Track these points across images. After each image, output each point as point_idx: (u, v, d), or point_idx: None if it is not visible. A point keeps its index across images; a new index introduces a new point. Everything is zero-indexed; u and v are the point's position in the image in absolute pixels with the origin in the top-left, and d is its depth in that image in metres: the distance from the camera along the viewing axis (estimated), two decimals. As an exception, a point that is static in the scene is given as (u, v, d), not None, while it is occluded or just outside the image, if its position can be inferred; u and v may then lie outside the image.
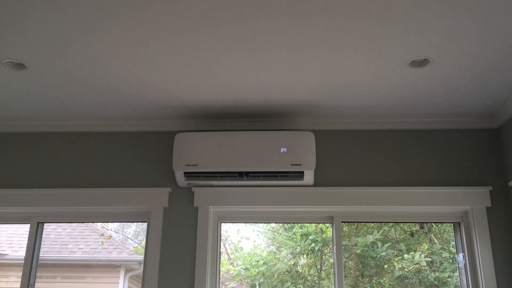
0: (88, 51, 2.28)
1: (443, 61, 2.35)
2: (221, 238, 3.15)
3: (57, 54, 2.31)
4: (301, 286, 5.02)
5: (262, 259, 5.14)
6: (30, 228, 2.95)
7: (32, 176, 3.01)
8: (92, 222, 3.16)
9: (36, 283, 2.91)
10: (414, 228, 4.44)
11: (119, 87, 2.64)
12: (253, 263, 5.11)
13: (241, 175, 2.81)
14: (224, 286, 5.46)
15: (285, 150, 2.77)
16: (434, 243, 4.26)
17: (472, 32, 2.10)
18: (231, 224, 3.27)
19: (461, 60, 2.34)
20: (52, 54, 2.31)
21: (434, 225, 4.25)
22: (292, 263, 5.09)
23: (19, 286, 2.84)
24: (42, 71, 2.48)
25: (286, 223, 4.23)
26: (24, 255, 2.91)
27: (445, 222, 3.12)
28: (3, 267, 6.65)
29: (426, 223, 3.65)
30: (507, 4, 1.89)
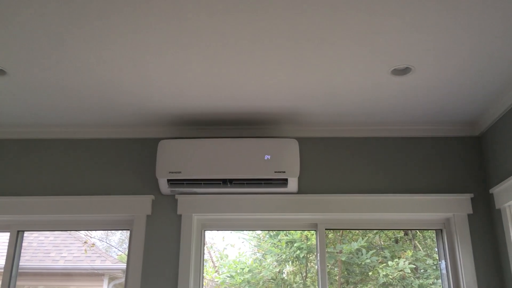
0: (70, 57, 2.26)
1: (424, 70, 2.38)
2: (206, 245, 3.13)
3: (38, 60, 2.29)
4: (286, 293, 5.00)
5: (247, 267, 5.12)
6: (10, 236, 2.90)
7: (12, 184, 2.96)
8: (74, 230, 3.12)
9: (18, 293, 2.85)
10: (398, 235, 4.46)
11: (102, 94, 2.62)
12: (238, 271, 5.09)
13: (225, 182, 2.80)
14: (209, 294, 5.41)
15: (269, 157, 2.77)
16: (418, 250, 4.28)
17: (452, 42, 2.13)
18: (216, 231, 3.26)
19: (442, 69, 2.37)
20: (32, 60, 2.28)
21: (418, 232, 4.28)
22: (278, 270, 5.08)
23: (-2, 296, 2.78)
24: (22, 77, 2.45)
25: (270, 230, 4.22)
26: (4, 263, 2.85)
27: (428, 229, 3.14)
28: (-18, 276, 6.50)
29: (410, 230, 3.68)
30: (487, 14, 1.92)
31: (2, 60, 2.28)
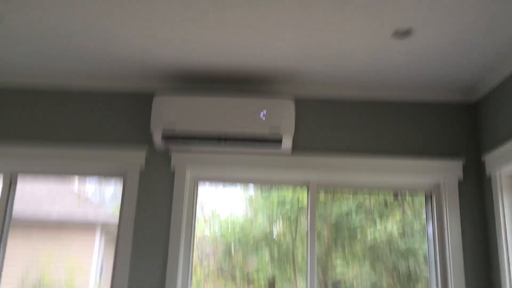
0: (66, 4, 2.21)
1: (426, 32, 2.35)
2: (199, 203, 3.17)
3: (33, 6, 2.23)
4: (275, 251, 5.13)
5: (239, 225, 5.20)
6: (3, 182, 2.91)
7: (7, 131, 2.95)
8: (67, 180, 3.13)
9: (11, 242, 2.88)
10: (388, 199, 4.53)
11: (99, 45, 2.58)
12: (230, 229, 5.18)
13: (219, 139, 2.80)
14: (199, 251, 5.53)
15: (264, 114, 2.76)
16: (407, 214, 4.36)
17: (455, 2, 2.09)
18: (208, 189, 3.28)
19: (443, 32, 2.34)
20: (28, 6, 2.23)
21: (407, 197, 4.34)
22: (268, 229, 5.18)
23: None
24: (17, 24, 2.39)
25: (263, 185, 4.27)
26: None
27: (418, 192, 3.18)
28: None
29: (400, 194, 3.72)
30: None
31: (-6, 5, 2.23)
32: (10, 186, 2.92)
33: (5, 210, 2.87)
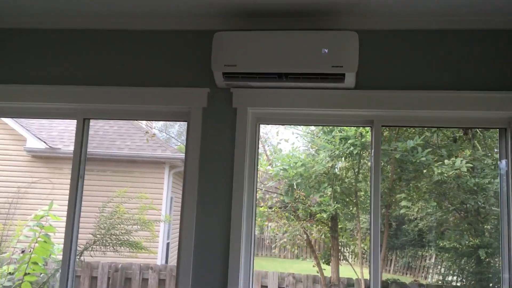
0: None
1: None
2: (261, 139, 3.20)
3: None
4: (337, 187, 5.16)
5: (301, 161, 5.26)
6: (77, 124, 3.07)
7: (77, 73, 3.07)
8: (134, 120, 3.26)
9: (87, 176, 3.09)
10: (457, 134, 4.35)
11: (155, -18, 2.55)
12: (292, 164, 5.26)
13: (280, 76, 2.76)
14: (263, 185, 5.69)
15: (326, 51, 2.67)
16: (477, 150, 4.18)
17: None
18: (270, 126, 3.30)
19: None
20: None
21: (478, 131, 4.14)
22: (330, 165, 5.19)
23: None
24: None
25: (325, 125, 4.21)
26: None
27: (491, 128, 3.01)
28: (56, 160, 7.17)
29: (471, 128, 3.55)
30: None
31: None
32: (83, 129, 3.08)
33: (80, 151, 3.04)
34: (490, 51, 2.80)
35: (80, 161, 3.04)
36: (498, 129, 2.92)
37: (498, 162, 2.97)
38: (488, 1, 2.61)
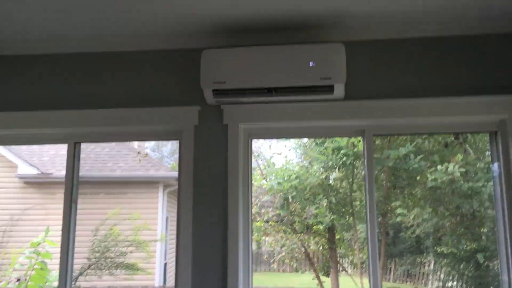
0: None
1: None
2: (254, 154, 3.20)
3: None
4: (333, 198, 5.16)
5: (294, 174, 5.26)
6: (68, 148, 3.06)
7: (67, 97, 3.06)
8: (126, 141, 3.26)
9: (80, 199, 3.07)
10: (448, 139, 4.38)
11: (145, 3, 2.57)
12: (286, 178, 5.25)
13: (270, 91, 2.77)
14: (258, 200, 5.67)
15: (313, 63, 2.69)
16: (469, 154, 4.21)
17: None
18: (263, 140, 3.30)
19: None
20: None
21: (469, 136, 4.18)
22: (324, 177, 5.20)
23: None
24: (62, -10, 2.42)
25: (316, 137, 4.23)
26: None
27: (481, 132, 3.03)
28: (49, 185, 7.11)
29: (461, 133, 3.57)
30: None
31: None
32: (75, 153, 3.06)
33: (72, 175, 3.02)
34: (477, 56, 2.84)
35: (73, 186, 3.01)
36: (488, 133, 2.95)
37: (490, 165, 2.99)
38: (474, 7, 2.65)
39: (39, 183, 7.02)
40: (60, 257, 2.93)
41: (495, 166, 2.90)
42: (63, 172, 3.06)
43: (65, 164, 3.04)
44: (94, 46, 3.08)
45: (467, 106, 2.77)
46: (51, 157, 7.34)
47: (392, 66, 2.89)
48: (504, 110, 2.74)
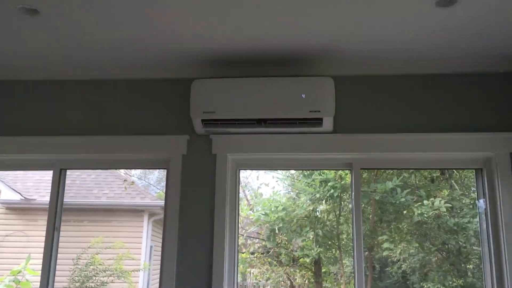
0: (101, -5, 2.23)
1: (471, 0, 2.23)
2: (241, 184, 3.19)
3: (71, 0, 2.26)
4: (319, 231, 5.12)
5: (282, 205, 5.23)
6: (53, 174, 3.02)
7: (54, 124, 3.05)
8: (113, 169, 3.23)
9: (63, 227, 3.01)
10: (434, 174, 4.42)
11: (136, 34, 2.59)
12: (273, 209, 5.21)
13: (259, 122, 2.79)
14: (244, 231, 5.61)
15: (304, 96, 2.72)
16: (455, 189, 4.24)
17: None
18: (250, 170, 3.30)
19: (490, -1, 2.21)
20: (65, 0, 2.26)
21: (455, 171, 4.21)
22: (311, 208, 5.17)
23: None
24: (56, 18, 2.44)
25: (304, 170, 4.23)
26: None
27: (467, 168, 3.07)
28: (32, 211, 6.96)
29: (448, 169, 3.61)
30: None
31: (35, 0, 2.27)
32: (60, 180, 3.02)
33: (56, 202, 2.98)
34: (461, 93, 2.90)
35: (56, 212, 2.96)
36: (474, 170, 2.98)
37: (476, 201, 3.01)
38: (458, 47, 2.72)
39: (21, 209, 6.87)
40: (40, 287, 2.85)
41: (480, 203, 2.92)
42: (46, 198, 3.01)
43: (49, 190, 3.00)
44: (82, 74, 3.09)
45: (453, 143, 2.81)
46: (35, 183, 7.22)
47: (380, 102, 2.94)
48: (489, 147, 2.78)
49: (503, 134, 2.78)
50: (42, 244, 2.89)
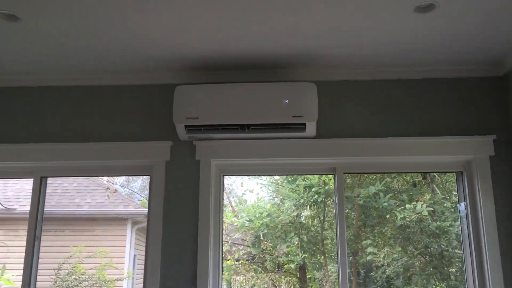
0: (85, 1, 2.21)
1: (449, 6, 2.27)
2: (225, 191, 3.18)
3: (51, 6, 2.24)
4: (304, 236, 5.13)
5: (266, 211, 5.22)
6: (34, 182, 2.97)
7: (34, 131, 3.01)
8: (95, 176, 3.19)
9: (44, 236, 2.96)
10: (416, 179, 4.47)
11: (118, 40, 2.58)
12: (257, 215, 5.20)
13: (242, 127, 2.79)
14: (229, 237, 5.58)
15: (287, 101, 2.73)
16: (436, 193, 4.29)
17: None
18: (235, 177, 3.29)
19: (466, 5, 2.26)
20: (45, 5, 2.24)
21: (436, 175, 4.27)
22: (296, 214, 5.18)
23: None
24: (36, 24, 2.41)
25: (288, 175, 4.23)
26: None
27: (448, 172, 3.11)
28: (12, 221, 6.83)
29: (429, 173, 3.65)
30: None
31: (14, 6, 2.25)
32: (40, 188, 2.98)
33: (37, 211, 2.93)
34: (446, 98, 2.95)
35: (37, 222, 2.91)
36: (454, 173, 3.02)
37: (458, 205, 3.05)
38: (437, 52, 2.77)
39: (1, 219, 6.74)
40: (20, 298, 2.80)
41: (461, 206, 2.96)
42: (27, 208, 2.96)
43: (29, 200, 2.95)
44: (63, 80, 3.06)
45: (434, 146, 2.85)
46: (16, 192, 7.09)
47: (362, 107, 2.97)
48: (469, 151, 2.83)
49: (483, 137, 2.83)
50: (23, 254, 2.84)
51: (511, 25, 2.46)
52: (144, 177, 4.93)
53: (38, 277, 2.88)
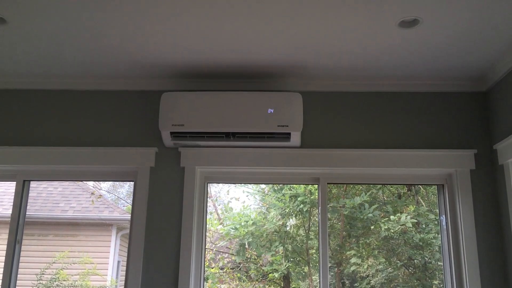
0: (72, 6, 2.22)
1: (433, 22, 2.31)
2: (211, 198, 3.18)
3: (39, 9, 2.25)
4: (289, 245, 5.13)
5: (251, 220, 5.21)
6: (16, 186, 2.95)
7: (17, 134, 2.99)
8: (79, 181, 3.17)
9: (27, 241, 2.94)
10: (402, 191, 4.50)
11: (105, 45, 2.59)
12: (243, 223, 5.19)
13: (227, 135, 2.80)
14: (214, 245, 5.56)
15: (272, 111, 2.75)
16: (421, 205, 4.32)
17: (462, -8, 2.06)
18: (221, 184, 3.29)
19: (450, 21, 2.30)
20: (33, 9, 2.24)
21: (421, 188, 4.31)
22: (281, 223, 5.18)
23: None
24: (22, 27, 2.41)
25: (272, 184, 4.24)
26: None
27: (430, 184, 3.15)
28: (-6, 224, 6.71)
29: (413, 185, 3.68)
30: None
31: (2, 8, 2.24)
32: (23, 191, 2.96)
33: (19, 214, 2.91)
34: (425, 111, 2.99)
35: (18, 225, 2.88)
36: (436, 186, 3.06)
37: (440, 218, 3.08)
38: (421, 66, 2.81)
39: (-17, 222, 6.65)
40: (-2, 302, 2.77)
41: (442, 219, 2.98)
42: (10, 212, 2.93)
43: (10, 202, 2.93)
44: (48, 84, 3.05)
45: (417, 159, 2.88)
46: (0, 195, 7.00)
47: (347, 118, 3.00)
48: (451, 164, 2.87)
49: (464, 151, 2.88)
50: (3, 258, 2.81)
51: (494, 42, 2.51)
52: (131, 183, 4.91)
53: (18, 281, 2.85)
